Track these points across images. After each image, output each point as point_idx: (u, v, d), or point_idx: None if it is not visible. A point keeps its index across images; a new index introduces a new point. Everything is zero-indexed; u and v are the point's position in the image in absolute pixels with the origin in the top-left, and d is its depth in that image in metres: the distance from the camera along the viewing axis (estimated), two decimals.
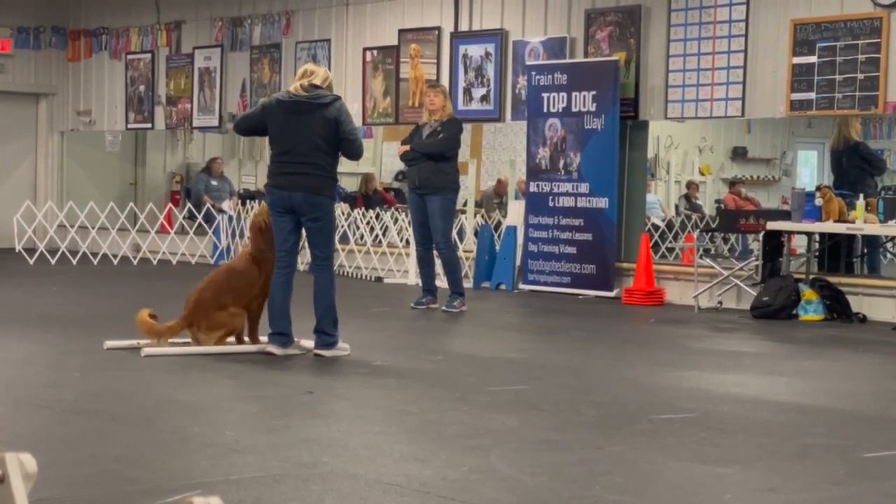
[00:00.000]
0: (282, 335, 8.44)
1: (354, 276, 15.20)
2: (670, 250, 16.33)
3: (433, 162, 11.43)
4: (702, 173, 21.48)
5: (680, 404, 6.91)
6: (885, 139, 21.28)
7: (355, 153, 8.65)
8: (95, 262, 16.25)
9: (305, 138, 8.40)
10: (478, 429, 6.13)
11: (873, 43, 11.53)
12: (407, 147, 11.52)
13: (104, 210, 16.85)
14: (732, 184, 20.31)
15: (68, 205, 17.39)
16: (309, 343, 8.56)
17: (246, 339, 8.62)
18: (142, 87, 18.53)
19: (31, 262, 15.97)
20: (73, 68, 19.56)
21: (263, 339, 8.63)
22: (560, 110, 13.48)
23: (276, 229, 8.53)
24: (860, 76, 11.64)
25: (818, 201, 11.63)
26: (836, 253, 12.44)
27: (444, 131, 11.49)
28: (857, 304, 11.45)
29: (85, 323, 10.23)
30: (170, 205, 18.83)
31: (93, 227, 16.98)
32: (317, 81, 8.56)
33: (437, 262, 11.97)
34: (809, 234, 12.11)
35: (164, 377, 7.50)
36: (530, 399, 7.02)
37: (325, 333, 8.42)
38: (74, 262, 16.22)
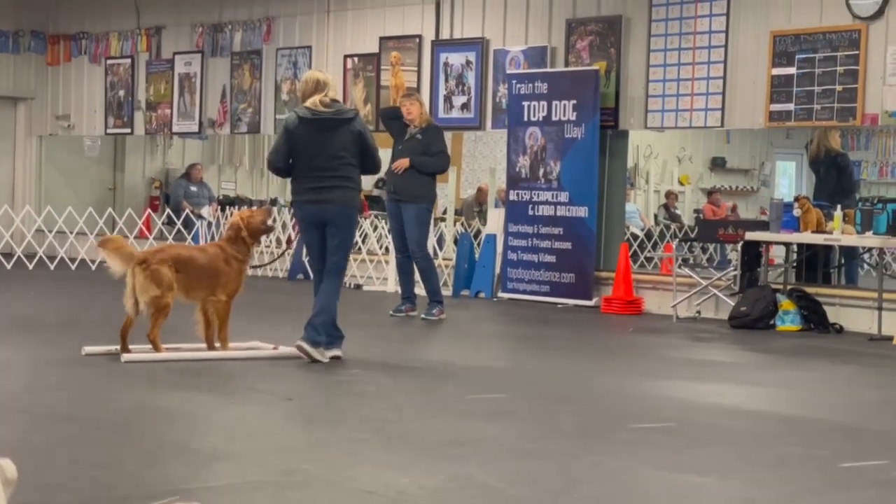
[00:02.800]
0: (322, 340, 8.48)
1: None
2: (649, 260, 16.37)
3: (411, 169, 11.46)
4: (681, 183, 21.54)
5: (658, 413, 6.93)
6: (863, 150, 21.36)
7: (376, 167, 8.93)
8: (73, 267, 16.20)
9: (335, 153, 8.57)
10: (457, 437, 6.14)
11: (852, 55, 11.59)
12: (406, 162, 11.49)
13: (82, 215, 16.79)
14: (710, 193, 20.37)
15: (46, 209, 17.33)
16: (333, 352, 8.56)
17: (217, 344, 8.59)
18: (121, 92, 18.49)
19: (9, 266, 15.91)
20: (52, 72, 19.50)
21: (233, 344, 8.62)
22: (540, 119, 13.51)
23: (309, 244, 8.80)
24: (839, 88, 11.70)
25: (796, 212, 11.68)
26: (814, 263, 12.49)
27: (425, 138, 11.54)
28: (834, 314, 11.50)
29: (63, 328, 10.20)
30: (149, 210, 18.79)
31: (71, 233, 16.92)
32: (333, 94, 8.68)
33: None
34: (787, 245, 12.16)
35: (142, 383, 7.48)
36: (509, 408, 7.03)
37: (314, 330, 8.44)
38: (52, 267, 16.16)
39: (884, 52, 11.44)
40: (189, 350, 8.56)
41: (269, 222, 8.95)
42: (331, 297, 8.57)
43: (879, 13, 11.47)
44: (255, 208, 9.10)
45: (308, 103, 8.62)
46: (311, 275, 9.02)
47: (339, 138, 8.56)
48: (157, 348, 8.34)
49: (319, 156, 8.56)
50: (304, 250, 15.71)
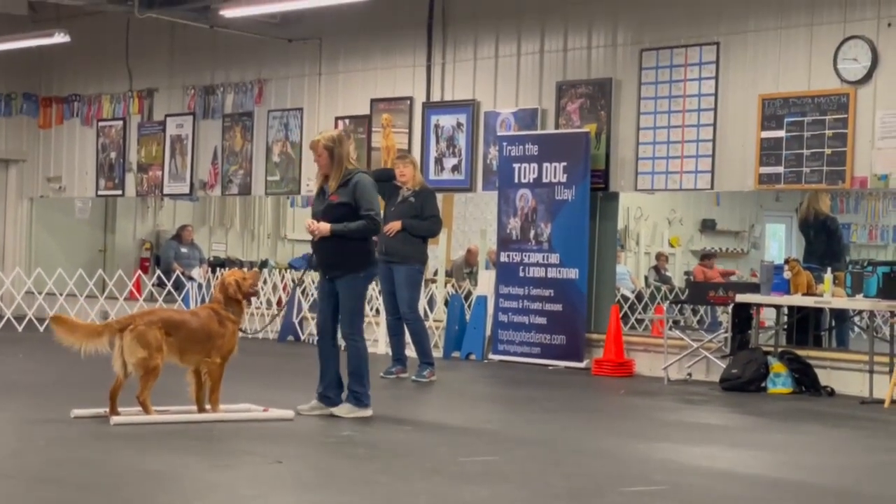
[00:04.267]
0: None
1: None
2: (640, 321, 16.37)
3: (403, 232, 11.49)
4: (671, 245, 21.61)
5: (650, 476, 6.89)
6: (852, 213, 21.48)
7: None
8: None
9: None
10: (447, 500, 6.10)
11: (840, 118, 11.67)
12: (398, 225, 11.51)
13: (73, 277, 16.77)
14: (704, 256, 20.40)
15: (36, 271, 17.30)
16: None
17: (207, 406, 8.54)
18: (113, 154, 18.52)
19: None
20: (44, 135, 19.55)
21: (223, 406, 8.58)
22: (531, 181, 13.55)
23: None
24: (827, 151, 11.77)
25: (786, 274, 11.70)
26: (805, 326, 12.49)
27: (417, 201, 11.58)
28: (825, 377, 11.49)
29: (52, 391, 10.15)
30: (139, 272, 18.77)
31: (61, 294, 16.88)
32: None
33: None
34: (778, 307, 12.17)
35: (131, 446, 7.43)
36: (501, 470, 7.00)
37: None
38: (42, 329, 16.11)
39: (872, 115, 11.51)
40: (179, 412, 8.52)
41: (258, 287, 8.94)
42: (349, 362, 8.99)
43: (867, 77, 11.56)
44: (245, 270, 9.06)
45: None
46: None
47: None
48: (146, 410, 8.29)
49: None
50: (294, 312, 15.76)
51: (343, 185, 8.85)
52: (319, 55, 16.13)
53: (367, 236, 8.97)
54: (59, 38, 16.35)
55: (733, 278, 18.47)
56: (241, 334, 8.86)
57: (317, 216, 8.92)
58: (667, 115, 12.89)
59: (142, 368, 8.21)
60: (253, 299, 9.17)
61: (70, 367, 12.24)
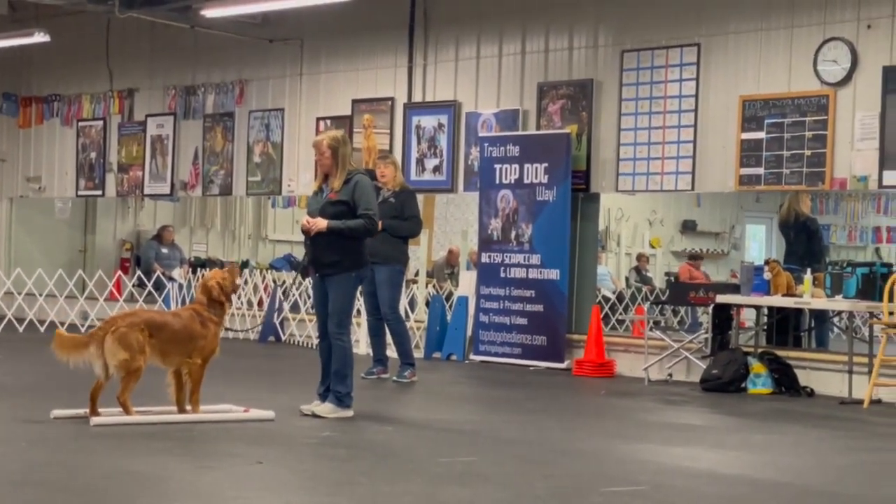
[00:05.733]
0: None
1: (305, 345, 15.13)
2: (621, 322, 16.41)
3: (384, 232, 11.48)
4: (652, 246, 21.65)
5: (631, 477, 6.91)
6: (832, 214, 21.58)
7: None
8: (43, 329, 16.08)
9: None
10: (429, 500, 6.10)
11: (820, 120, 11.71)
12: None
13: (52, 277, 16.71)
14: (692, 257, 20.45)
15: (16, 272, 17.23)
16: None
17: (188, 407, 8.53)
18: (93, 154, 18.47)
19: None
20: (23, 135, 19.48)
21: (204, 407, 8.56)
22: (512, 182, 13.57)
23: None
24: (807, 152, 11.81)
25: (766, 275, 11.74)
26: (785, 327, 12.54)
27: (398, 202, 11.58)
28: (804, 377, 11.53)
29: (31, 392, 10.11)
30: (119, 272, 18.71)
31: (41, 295, 16.83)
32: None
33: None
34: (758, 308, 12.21)
35: (112, 447, 7.41)
36: (482, 471, 7.00)
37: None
38: (21, 329, 16.05)
39: (852, 117, 11.56)
40: (159, 413, 8.50)
41: (238, 283, 8.94)
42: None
43: (847, 79, 11.61)
44: (225, 268, 9.04)
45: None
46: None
47: None
48: (127, 411, 8.27)
49: None
50: (276, 313, 15.74)
51: (344, 184, 8.89)
52: (301, 55, 16.12)
53: (364, 236, 8.98)
54: (39, 37, 16.31)
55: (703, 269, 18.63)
56: (226, 333, 8.86)
57: (313, 214, 8.95)
58: (648, 117, 12.92)
59: (124, 370, 8.19)
60: (233, 298, 9.12)
61: (49, 367, 12.19)
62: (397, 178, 11.79)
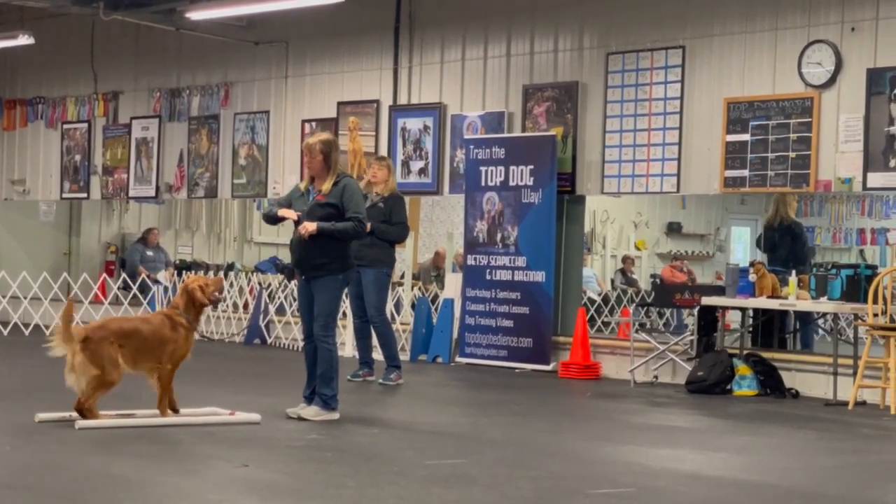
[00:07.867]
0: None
1: (291, 347, 15.12)
2: (606, 324, 16.42)
3: (371, 236, 11.47)
4: (637, 248, 21.68)
5: (617, 479, 6.92)
6: (816, 217, 21.63)
7: None
8: (27, 332, 16.04)
9: None
10: (415, 503, 6.10)
11: (805, 122, 11.74)
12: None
13: (37, 280, 16.67)
14: (675, 258, 20.48)
15: (0, 274, 17.18)
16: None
17: (170, 411, 8.50)
18: (77, 157, 18.43)
19: None
20: (7, 137, 19.43)
21: (189, 410, 8.53)
22: (498, 184, 13.58)
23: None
24: (792, 154, 11.84)
25: (752, 277, 11.77)
26: (770, 328, 12.57)
27: (386, 207, 11.58)
28: (789, 379, 11.56)
29: (16, 395, 10.08)
30: (104, 275, 18.67)
31: (25, 298, 16.78)
32: None
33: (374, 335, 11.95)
34: (743, 310, 12.23)
35: (97, 450, 7.40)
36: (468, 473, 7.00)
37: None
38: (6, 332, 16.00)
39: (836, 119, 11.59)
40: (144, 416, 8.48)
41: (223, 293, 8.90)
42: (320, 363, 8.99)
43: (831, 81, 11.64)
44: (210, 276, 9.01)
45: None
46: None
47: None
48: (91, 416, 8.20)
49: None
50: (262, 316, 15.73)
51: (332, 187, 8.90)
52: (286, 58, 16.11)
53: (352, 238, 8.99)
54: (24, 39, 16.27)
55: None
56: (211, 337, 8.83)
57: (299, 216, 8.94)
58: (633, 119, 12.94)
59: (95, 384, 8.14)
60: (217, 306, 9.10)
61: (34, 370, 12.17)
62: (390, 182, 11.76)
